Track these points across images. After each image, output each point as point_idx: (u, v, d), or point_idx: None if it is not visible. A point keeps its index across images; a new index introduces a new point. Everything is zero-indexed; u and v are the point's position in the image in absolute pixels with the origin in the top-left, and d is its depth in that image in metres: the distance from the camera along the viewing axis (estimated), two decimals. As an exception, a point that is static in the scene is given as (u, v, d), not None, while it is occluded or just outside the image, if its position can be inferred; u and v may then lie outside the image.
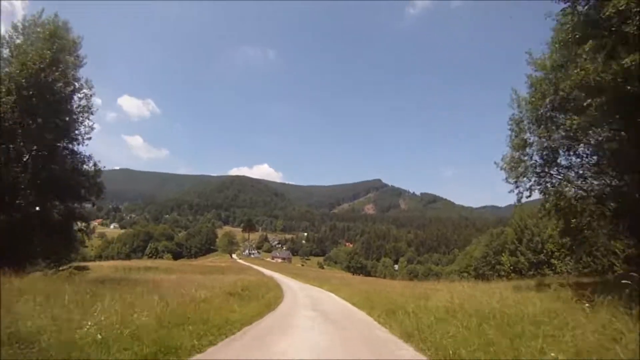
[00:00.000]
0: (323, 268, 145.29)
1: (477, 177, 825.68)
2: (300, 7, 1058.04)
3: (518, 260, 60.09)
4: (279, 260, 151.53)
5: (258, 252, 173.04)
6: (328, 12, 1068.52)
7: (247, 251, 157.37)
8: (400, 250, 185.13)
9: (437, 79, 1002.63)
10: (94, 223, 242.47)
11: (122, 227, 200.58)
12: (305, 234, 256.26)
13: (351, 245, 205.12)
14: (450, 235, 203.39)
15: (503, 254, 63.59)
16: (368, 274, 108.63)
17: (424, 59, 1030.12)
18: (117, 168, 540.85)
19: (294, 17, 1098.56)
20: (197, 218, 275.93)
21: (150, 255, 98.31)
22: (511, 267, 60.78)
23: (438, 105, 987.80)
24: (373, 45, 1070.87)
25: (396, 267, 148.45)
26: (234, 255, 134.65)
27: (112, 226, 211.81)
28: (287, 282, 35.64)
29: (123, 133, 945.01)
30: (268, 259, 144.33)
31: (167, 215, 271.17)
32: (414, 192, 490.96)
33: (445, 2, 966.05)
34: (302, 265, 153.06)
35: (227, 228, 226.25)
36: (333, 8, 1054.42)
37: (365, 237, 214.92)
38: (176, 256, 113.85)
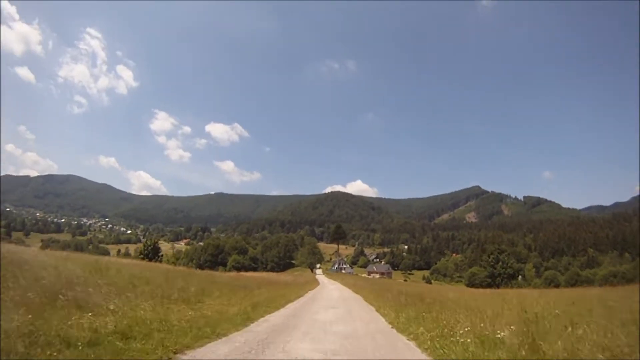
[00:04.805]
0: (430, 283, 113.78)
1: (575, 177, 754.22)
2: (373, 10, 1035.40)
3: None
4: (377, 275, 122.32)
5: (351, 267, 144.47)
6: (405, 13, 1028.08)
7: (336, 266, 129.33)
8: (520, 256, 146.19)
9: (521, 81, 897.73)
10: (181, 243, 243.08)
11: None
12: (406, 246, 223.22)
13: (458, 256, 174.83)
14: (573, 235, 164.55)
15: None
16: (489, 286, 77.76)
17: (505, 60, 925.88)
18: (212, 193, 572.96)
19: (368, 22, 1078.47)
20: (289, 235, 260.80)
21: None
22: None
23: (527, 106, 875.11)
24: (458, 45, 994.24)
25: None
26: (316, 270, 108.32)
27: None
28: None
29: (214, 159, 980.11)
30: (363, 275, 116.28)
31: (257, 234, 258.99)
32: (515, 197, 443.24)
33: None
34: (405, 280, 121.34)
35: (320, 245, 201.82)
36: (410, 9, 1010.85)
37: (474, 245, 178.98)
38: (249, 271, 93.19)
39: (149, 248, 44.83)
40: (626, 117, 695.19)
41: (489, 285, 54.86)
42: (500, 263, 55.72)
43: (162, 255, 48.70)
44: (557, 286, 70.73)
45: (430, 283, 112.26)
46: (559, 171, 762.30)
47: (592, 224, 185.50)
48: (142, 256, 43.47)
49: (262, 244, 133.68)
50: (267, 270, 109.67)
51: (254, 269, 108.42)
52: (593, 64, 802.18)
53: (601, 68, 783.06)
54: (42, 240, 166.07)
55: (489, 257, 57.50)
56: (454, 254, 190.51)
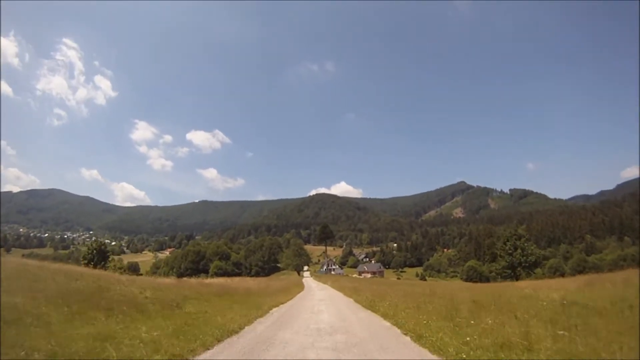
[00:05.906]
0: (425, 279, 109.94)
1: (559, 167, 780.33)
2: (350, 12, 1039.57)
3: None
4: (368, 275, 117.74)
5: (340, 267, 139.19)
6: (383, 13, 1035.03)
7: (324, 267, 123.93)
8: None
9: (503, 75, 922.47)
10: (166, 252, 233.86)
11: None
12: (395, 244, 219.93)
13: (451, 251, 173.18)
14: (567, 223, 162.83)
15: None
16: (487, 280, 73.83)
17: (485, 55, 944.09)
18: (197, 201, 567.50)
19: (345, 23, 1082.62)
20: (274, 238, 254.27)
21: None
22: None
23: (510, 99, 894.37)
24: (438, 43, 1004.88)
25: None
26: (304, 273, 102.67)
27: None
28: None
29: (197, 167, 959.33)
30: (354, 275, 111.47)
31: (243, 239, 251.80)
32: (502, 190, 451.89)
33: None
34: (398, 278, 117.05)
35: (307, 247, 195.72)
36: (388, 9, 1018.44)
37: (466, 239, 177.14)
38: (232, 277, 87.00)
39: (94, 252, 38.41)
40: (608, 106, 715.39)
41: (509, 277, 49.21)
42: (518, 250, 49.63)
43: (110, 261, 42.22)
44: (562, 275, 66.24)
45: (425, 280, 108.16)
46: (542, 162, 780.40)
47: (583, 212, 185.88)
48: (86, 262, 37.14)
49: (245, 248, 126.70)
50: (252, 275, 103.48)
51: (238, 275, 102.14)
52: (572, 56, 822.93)
53: (582, 60, 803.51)
54: (22, 255, 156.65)
55: (505, 244, 51.24)
56: (445, 249, 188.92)
